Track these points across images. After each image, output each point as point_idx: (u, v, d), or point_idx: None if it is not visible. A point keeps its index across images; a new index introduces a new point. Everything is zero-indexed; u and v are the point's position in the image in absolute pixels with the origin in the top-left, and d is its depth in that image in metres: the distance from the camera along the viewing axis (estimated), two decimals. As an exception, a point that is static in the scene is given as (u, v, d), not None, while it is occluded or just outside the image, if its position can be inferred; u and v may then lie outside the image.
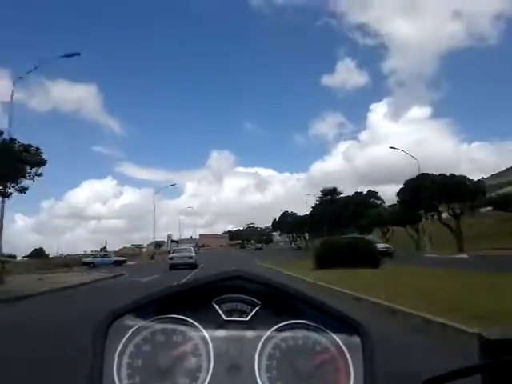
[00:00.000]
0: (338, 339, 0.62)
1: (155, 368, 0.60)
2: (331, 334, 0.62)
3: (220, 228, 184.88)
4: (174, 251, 29.02)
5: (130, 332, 0.62)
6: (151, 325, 0.63)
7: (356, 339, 0.62)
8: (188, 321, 0.63)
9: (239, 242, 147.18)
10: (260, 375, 0.59)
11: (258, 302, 0.65)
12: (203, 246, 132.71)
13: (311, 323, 0.63)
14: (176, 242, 73.11)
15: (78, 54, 23.17)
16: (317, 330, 0.63)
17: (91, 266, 37.52)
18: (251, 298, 0.65)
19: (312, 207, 65.69)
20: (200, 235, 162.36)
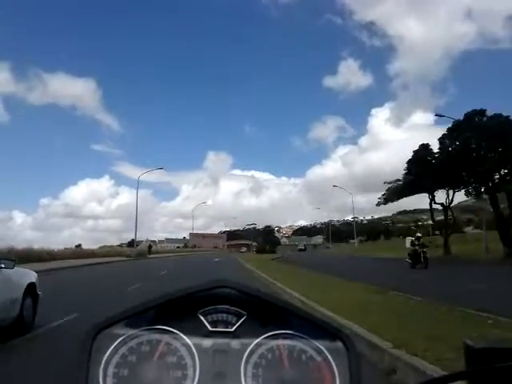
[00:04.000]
0: (323, 348, 0.62)
1: (141, 378, 0.60)
2: (317, 343, 0.63)
3: (215, 232, 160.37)
4: None
5: (116, 342, 0.63)
6: (137, 335, 0.63)
7: (341, 348, 0.62)
8: (174, 332, 0.63)
9: (245, 243, 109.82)
10: (246, 383, 0.60)
11: (244, 312, 0.65)
12: (194, 246, 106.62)
13: (297, 333, 0.63)
14: None
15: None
16: (302, 339, 0.63)
17: None
18: (237, 309, 0.65)
19: None
20: (191, 234, 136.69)
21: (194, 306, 0.65)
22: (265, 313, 0.64)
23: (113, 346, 0.62)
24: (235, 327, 0.64)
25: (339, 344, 0.62)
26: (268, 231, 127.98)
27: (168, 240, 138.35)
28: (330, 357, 0.62)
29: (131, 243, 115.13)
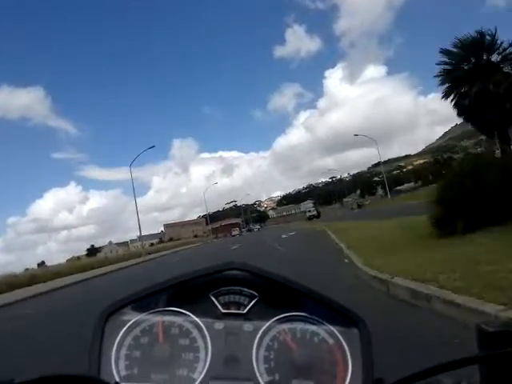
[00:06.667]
0: (335, 331, 0.62)
1: (153, 359, 0.60)
2: (329, 325, 0.62)
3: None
4: None
5: (128, 324, 0.63)
6: (150, 317, 0.63)
7: (354, 331, 0.61)
8: (186, 313, 0.63)
9: (235, 222, 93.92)
10: (258, 366, 0.59)
11: (256, 294, 0.64)
12: (171, 240, 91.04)
13: (309, 315, 0.63)
14: None
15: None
16: (315, 321, 0.62)
17: None
18: (249, 291, 0.64)
19: None
20: (165, 225, 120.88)
21: (205, 288, 0.64)
22: (277, 295, 0.63)
23: (125, 328, 0.62)
24: (247, 309, 0.63)
25: (352, 327, 0.62)
26: (250, 207, 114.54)
27: (141, 237, 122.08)
28: (342, 339, 0.61)
29: (91, 251, 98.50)
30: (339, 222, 27.51)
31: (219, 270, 0.63)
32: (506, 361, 0.48)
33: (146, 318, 0.63)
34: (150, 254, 46.26)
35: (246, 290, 0.64)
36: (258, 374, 0.59)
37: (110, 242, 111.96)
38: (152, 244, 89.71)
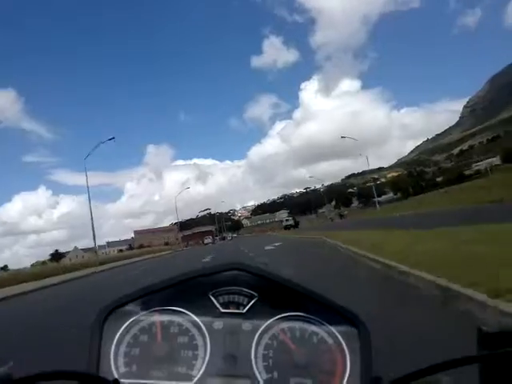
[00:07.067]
0: (335, 331, 0.62)
1: (152, 357, 0.61)
2: (328, 325, 0.62)
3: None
4: None
5: (127, 322, 0.63)
6: (149, 316, 0.64)
7: (353, 331, 0.62)
8: (185, 313, 0.64)
9: (209, 229, 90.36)
10: (256, 364, 0.60)
11: (255, 294, 0.64)
12: (141, 246, 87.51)
13: (308, 315, 0.63)
14: None
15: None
16: (314, 321, 0.63)
17: None
18: (248, 291, 0.65)
19: None
20: (135, 232, 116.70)
21: (205, 288, 0.65)
22: (276, 295, 0.64)
23: (124, 326, 0.63)
24: (246, 309, 0.64)
25: (351, 327, 0.62)
26: (225, 216, 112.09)
27: (110, 244, 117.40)
28: (341, 340, 0.61)
29: (55, 256, 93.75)
30: (336, 231, 22.10)
31: (219, 271, 0.64)
32: (505, 361, 0.48)
33: (145, 317, 0.64)
34: (101, 264, 35.75)
35: (245, 290, 0.64)
36: (256, 372, 0.59)
37: (76, 248, 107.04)
38: (121, 250, 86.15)
